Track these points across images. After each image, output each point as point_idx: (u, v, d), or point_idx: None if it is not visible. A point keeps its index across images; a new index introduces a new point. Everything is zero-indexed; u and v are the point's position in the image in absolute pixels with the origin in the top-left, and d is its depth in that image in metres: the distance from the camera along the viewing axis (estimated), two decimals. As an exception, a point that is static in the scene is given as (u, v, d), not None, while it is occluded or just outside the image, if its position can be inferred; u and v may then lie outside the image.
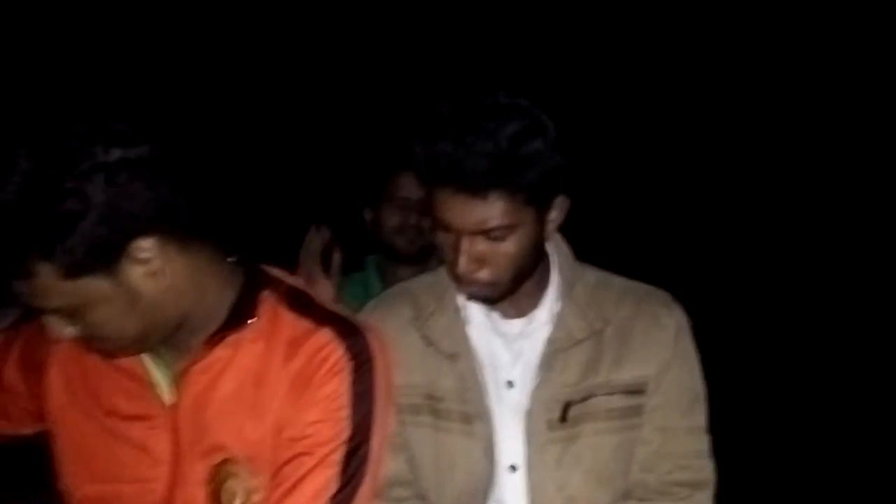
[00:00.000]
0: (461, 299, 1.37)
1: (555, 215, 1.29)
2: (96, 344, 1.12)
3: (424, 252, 2.16)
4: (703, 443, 1.38)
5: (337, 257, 1.72)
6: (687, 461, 1.36)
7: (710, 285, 4.00)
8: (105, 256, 1.04)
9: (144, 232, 1.06)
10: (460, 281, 1.27)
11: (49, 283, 1.03)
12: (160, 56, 3.64)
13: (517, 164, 1.18)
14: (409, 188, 2.13)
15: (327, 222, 1.74)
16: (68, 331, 1.09)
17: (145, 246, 1.06)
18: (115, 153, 1.03)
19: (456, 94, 1.26)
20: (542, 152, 1.20)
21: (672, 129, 4.67)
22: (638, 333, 1.35)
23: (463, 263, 1.23)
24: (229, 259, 1.21)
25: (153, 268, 1.08)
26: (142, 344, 1.14)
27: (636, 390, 1.34)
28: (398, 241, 2.16)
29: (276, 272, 1.27)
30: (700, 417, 1.39)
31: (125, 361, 1.19)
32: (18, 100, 3.15)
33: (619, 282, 1.41)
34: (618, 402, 1.33)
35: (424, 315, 1.37)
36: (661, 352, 1.35)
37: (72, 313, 1.07)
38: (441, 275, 1.39)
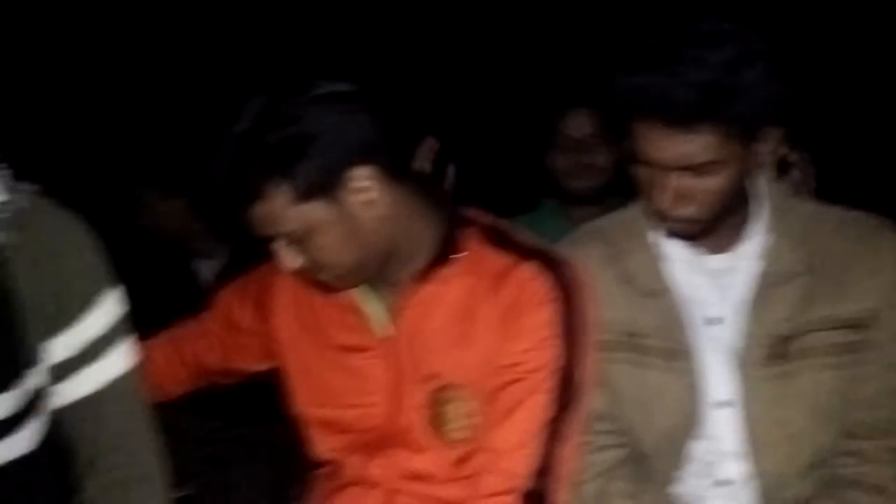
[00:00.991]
0: (658, 235, 1.34)
1: (767, 147, 1.22)
2: (317, 274, 1.21)
3: (599, 192, 2.14)
4: None
5: (451, 169, 1.79)
6: None
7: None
8: (331, 181, 1.13)
9: (363, 161, 1.14)
10: (661, 217, 1.24)
11: (282, 206, 1.13)
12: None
13: (729, 95, 1.12)
14: (575, 127, 2.12)
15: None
16: (294, 260, 1.19)
17: (364, 174, 1.15)
18: (335, 86, 1.14)
19: (640, 23, 1.22)
20: (756, 82, 1.13)
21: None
22: (858, 265, 1.27)
23: (666, 199, 1.20)
24: (431, 197, 1.27)
25: (369, 196, 1.16)
26: (357, 275, 1.22)
27: (858, 325, 1.26)
28: (569, 183, 2.15)
29: (473, 211, 1.32)
30: None
31: (344, 297, 1.28)
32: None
33: (835, 212, 1.33)
34: (838, 337, 1.26)
35: (619, 252, 1.35)
36: (884, 284, 1.26)
37: (298, 240, 1.16)
38: (634, 211, 1.37)
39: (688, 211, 1.21)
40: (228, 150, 1.13)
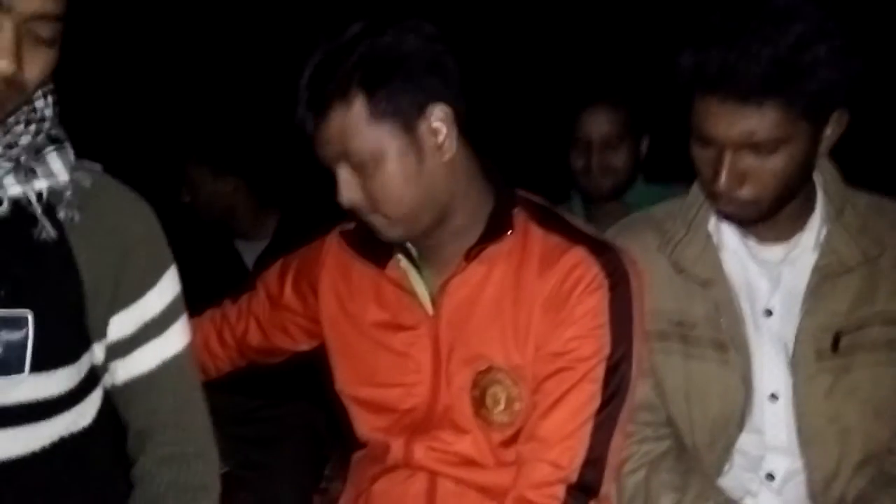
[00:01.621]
0: (712, 224, 1.32)
1: (831, 131, 1.19)
2: (371, 212, 1.19)
3: (617, 190, 2.13)
4: None
5: None
6: None
7: None
8: (411, 109, 1.13)
9: (446, 101, 1.15)
10: (719, 198, 1.21)
11: (358, 120, 1.12)
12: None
13: (798, 72, 1.09)
14: (588, 127, 2.08)
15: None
16: (353, 192, 1.17)
17: (442, 115, 1.15)
18: (430, 28, 1.17)
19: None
20: (827, 60, 1.10)
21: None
22: None
23: (724, 179, 1.16)
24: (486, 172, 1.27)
25: (440, 139, 1.16)
26: (409, 223, 1.19)
27: None
28: (586, 183, 2.13)
29: (523, 192, 1.31)
30: None
31: (389, 274, 1.28)
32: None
33: (895, 206, 1.30)
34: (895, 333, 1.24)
35: (673, 241, 1.33)
36: None
37: (362, 166, 1.15)
38: (689, 200, 1.35)
39: (744, 192, 1.18)
40: (320, 56, 1.14)
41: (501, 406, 1.22)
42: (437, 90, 1.14)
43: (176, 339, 1.09)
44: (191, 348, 1.12)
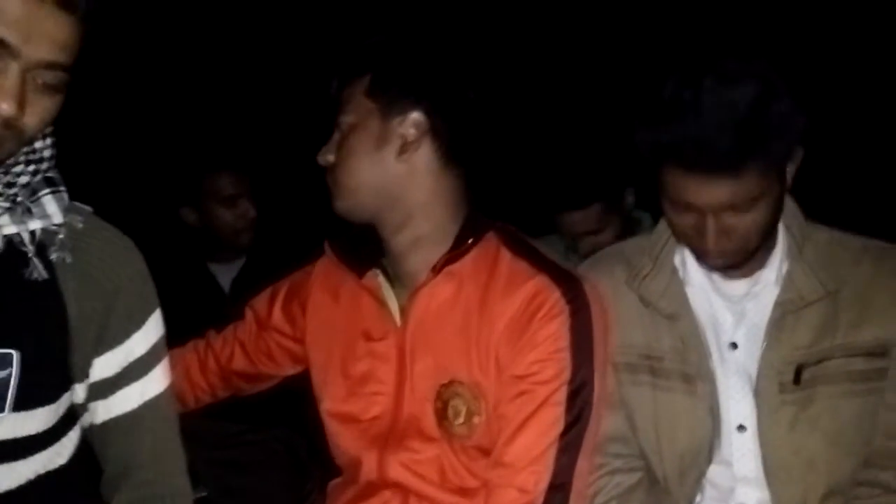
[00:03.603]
0: (678, 260, 1.36)
1: (790, 168, 1.24)
2: (330, 176, 1.29)
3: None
4: None
5: None
6: None
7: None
8: (391, 102, 1.23)
9: (427, 114, 1.24)
10: (707, 255, 1.25)
11: (357, 91, 1.26)
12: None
13: (766, 132, 1.14)
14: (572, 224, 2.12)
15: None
16: (329, 153, 1.29)
17: (415, 122, 1.24)
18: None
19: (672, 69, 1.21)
20: (786, 113, 1.15)
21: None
22: (880, 293, 1.28)
23: (712, 240, 1.21)
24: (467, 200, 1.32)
25: (407, 141, 1.23)
26: (354, 199, 1.27)
27: (879, 353, 1.27)
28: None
29: (501, 223, 1.35)
30: None
31: (366, 284, 1.33)
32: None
33: (854, 240, 1.34)
34: (858, 364, 1.27)
35: (640, 276, 1.37)
36: None
37: (342, 130, 1.27)
38: (655, 235, 1.39)
39: (730, 246, 1.22)
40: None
41: (461, 419, 1.25)
42: (427, 102, 1.24)
43: (157, 380, 1.10)
44: (171, 390, 1.13)
